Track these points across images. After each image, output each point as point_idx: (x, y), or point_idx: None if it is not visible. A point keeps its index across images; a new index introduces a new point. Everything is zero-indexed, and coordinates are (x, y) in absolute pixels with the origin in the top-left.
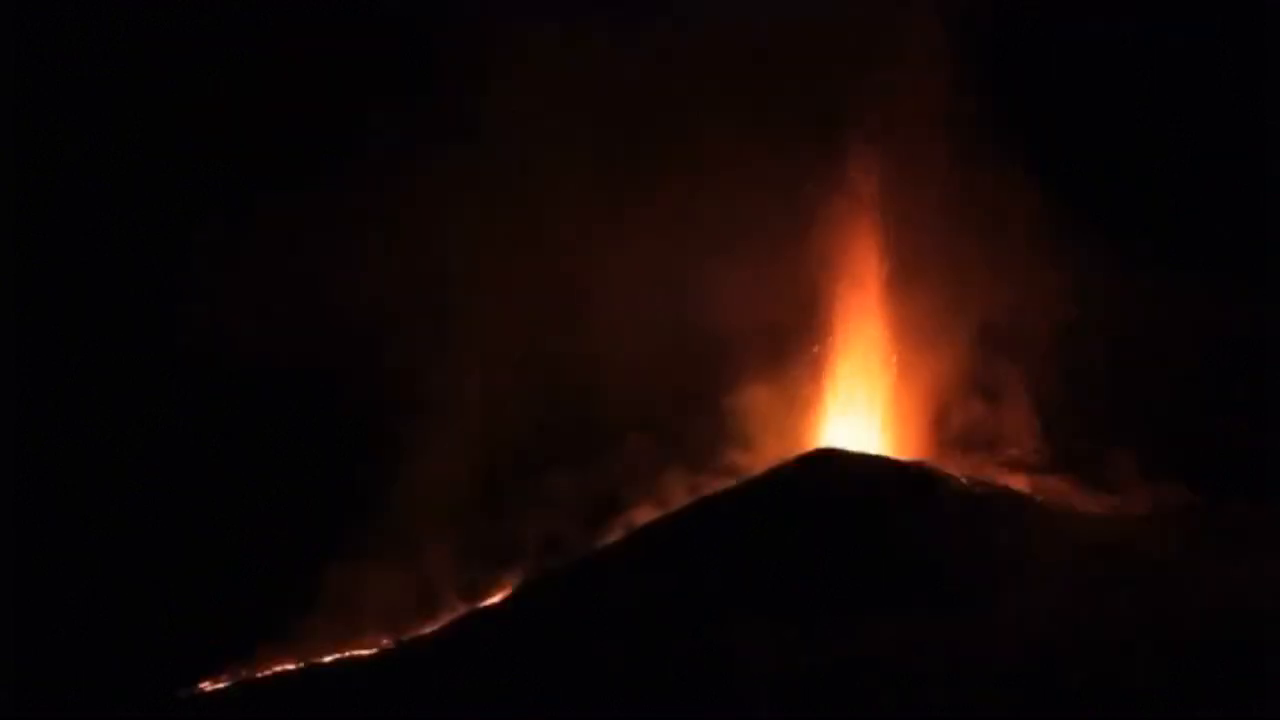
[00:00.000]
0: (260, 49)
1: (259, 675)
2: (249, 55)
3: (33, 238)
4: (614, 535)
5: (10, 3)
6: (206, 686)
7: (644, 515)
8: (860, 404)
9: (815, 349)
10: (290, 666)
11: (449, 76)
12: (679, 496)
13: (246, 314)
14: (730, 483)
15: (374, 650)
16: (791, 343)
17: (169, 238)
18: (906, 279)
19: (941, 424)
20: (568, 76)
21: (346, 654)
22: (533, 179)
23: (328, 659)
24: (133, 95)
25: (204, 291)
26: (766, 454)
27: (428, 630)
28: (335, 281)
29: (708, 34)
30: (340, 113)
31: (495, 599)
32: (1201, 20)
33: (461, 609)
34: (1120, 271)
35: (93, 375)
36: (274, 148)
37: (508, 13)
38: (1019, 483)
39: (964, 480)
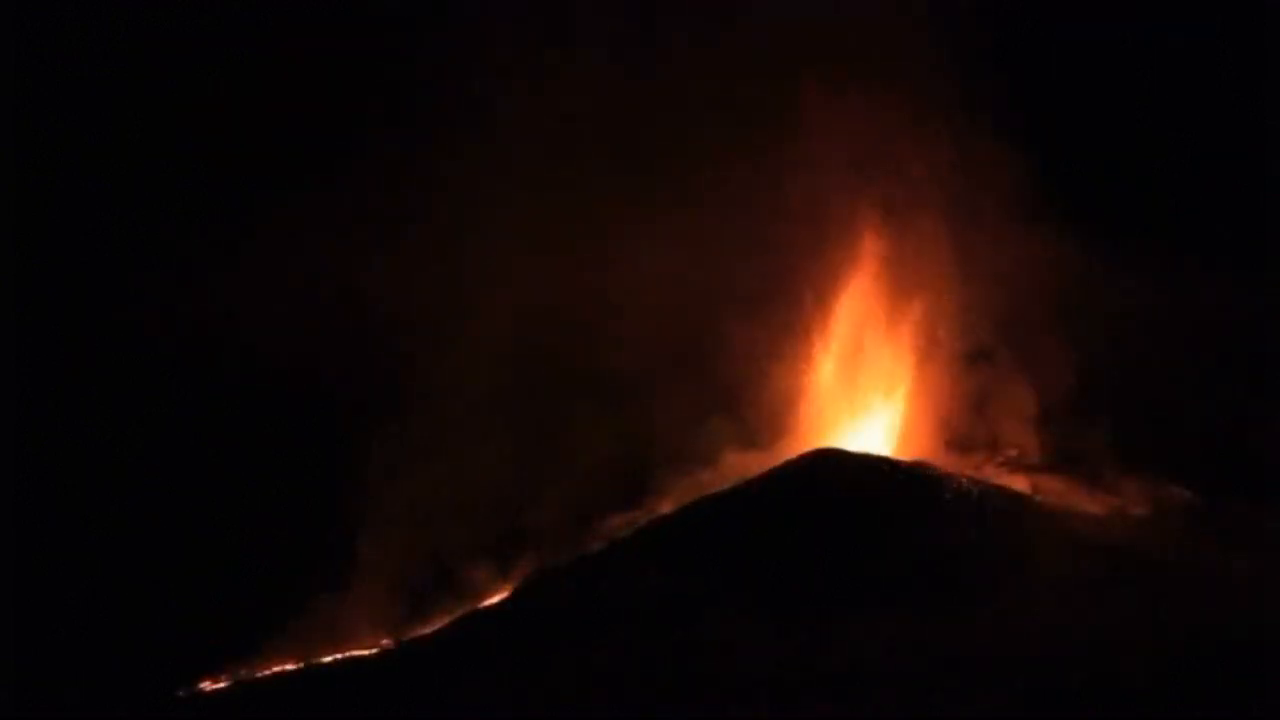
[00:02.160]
0: (260, 49)
1: (259, 675)
2: (249, 55)
3: (33, 238)
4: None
5: (10, 3)
6: (206, 686)
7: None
8: (858, 403)
9: (811, 349)
10: (290, 666)
11: (449, 76)
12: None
13: (247, 313)
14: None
15: (374, 650)
16: (788, 341)
17: (169, 238)
18: (906, 278)
19: (942, 423)
20: (567, 73)
21: (346, 654)
22: (536, 171)
23: (328, 659)
24: (133, 95)
25: (204, 291)
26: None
27: (428, 630)
28: (336, 274)
29: (707, 32)
30: (340, 113)
31: (495, 599)
32: (1201, 20)
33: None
34: (1120, 270)
35: (93, 375)
36: (274, 148)
37: (507, 13)
38: (1019, 483)
39: (964, 480)
